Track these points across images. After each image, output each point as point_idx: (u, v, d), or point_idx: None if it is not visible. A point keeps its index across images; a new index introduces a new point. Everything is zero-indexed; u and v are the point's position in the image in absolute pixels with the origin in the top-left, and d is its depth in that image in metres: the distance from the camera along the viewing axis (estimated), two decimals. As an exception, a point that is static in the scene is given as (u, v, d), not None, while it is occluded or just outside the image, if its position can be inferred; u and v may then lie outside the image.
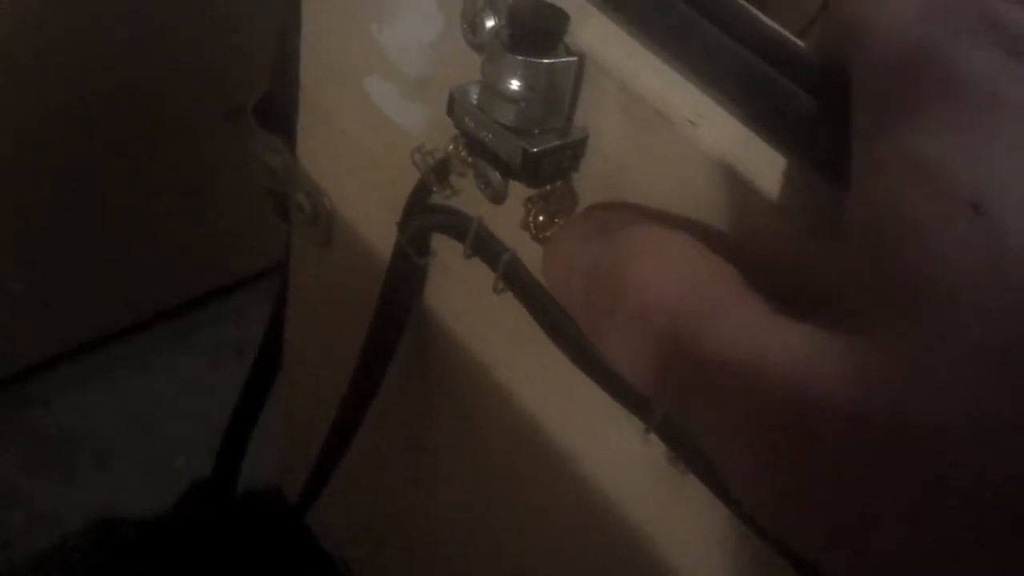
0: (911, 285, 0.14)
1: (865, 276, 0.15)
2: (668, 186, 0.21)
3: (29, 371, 0.67)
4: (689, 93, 0.20)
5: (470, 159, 0.24)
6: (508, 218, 0.25)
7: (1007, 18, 0.15)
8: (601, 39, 0.21)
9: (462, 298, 0.31)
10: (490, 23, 0.23)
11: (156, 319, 0.71)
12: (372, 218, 0.34)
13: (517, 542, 0.34)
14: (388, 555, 0.44)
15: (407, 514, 0.40)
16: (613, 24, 0.21)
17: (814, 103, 0.18)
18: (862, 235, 0.15)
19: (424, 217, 0.29)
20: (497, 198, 0.24)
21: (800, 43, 0.19)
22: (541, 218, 0.24)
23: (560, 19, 0.21)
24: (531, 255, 0.25)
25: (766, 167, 0.19)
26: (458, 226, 0.27)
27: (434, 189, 0.27)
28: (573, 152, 0.22)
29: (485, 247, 0.26)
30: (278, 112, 0.35)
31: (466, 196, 0.27)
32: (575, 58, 0.21)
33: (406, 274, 0.31)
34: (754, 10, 0.20)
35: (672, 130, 0.20)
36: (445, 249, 0.30)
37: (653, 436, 0.24)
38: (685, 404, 0.16)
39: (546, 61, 0.21)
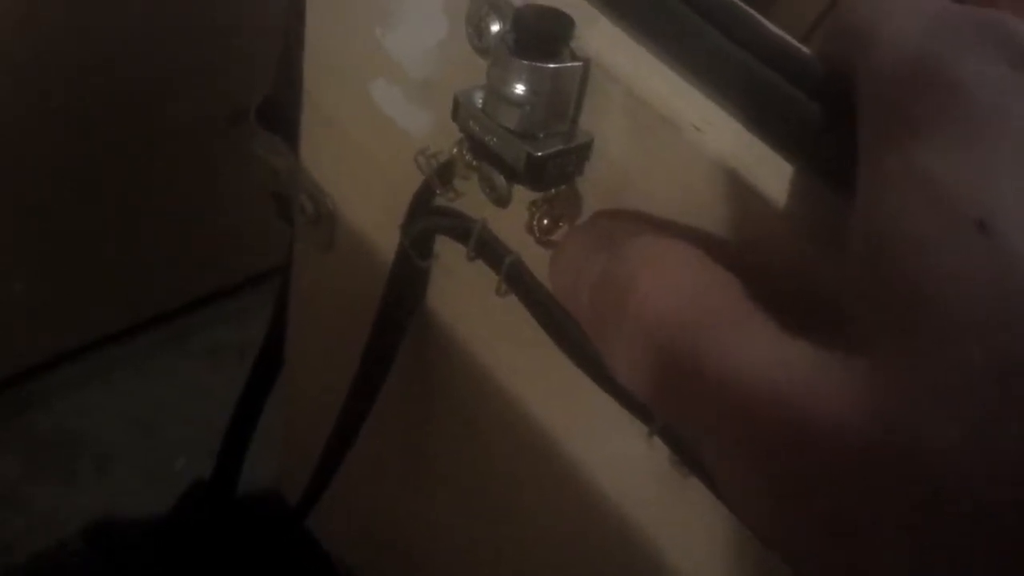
0: (913, 302, 0.13)
1: (866, 289, 0.14)
2: (673, 191, 0.21)
3: (29, 372, 0.67)
4: (694, 99, 0.20)
5: (474, 162, 0.24)
6: (512, 221, 0.25)
7: (1015, 32, 0.15)
8: (607, 44, 0.21)
9: (465, 301, 0.31)
10: (495, 27, 0.23)
11: (156, 321, 0.71)
12: (375, 220, 0.34)
13: (518, 546, 0.34)
14: (389, 559, 0.44)
15: (408, 518, 0.40)
16: (619, 29, 0.21)
17: (818, 109, 0.18)
18: (865, 247, 0.15)
19: (427, 219, 0.29)
20: (501, 202, 0.24)
21: (805, 49, 0.19)
22: (545, 222, 0.24)
23: (565, 24, 0.21)
24: (535, 258, 0.25)
25: (771, 173, 0.19)
26: (461, 229, 0.27)
27: (437, 192, 0.27)
28: (578, 156, 0.22)
29: (488, 250, 0.26)
30: (281, 114, 0.35)
31: (469, 199, 0.27)
32: (580, 63, 0.21)
33: (408, 276, 0.31)
34: (759, 16, 0.20)
35: (677, 135, 0.20)
36: (448, 252, 0.30)
37: (656, 439, 0.24)
38: (685, 419, 0.16)
39: (551, 66, 0.21)
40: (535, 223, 0.24)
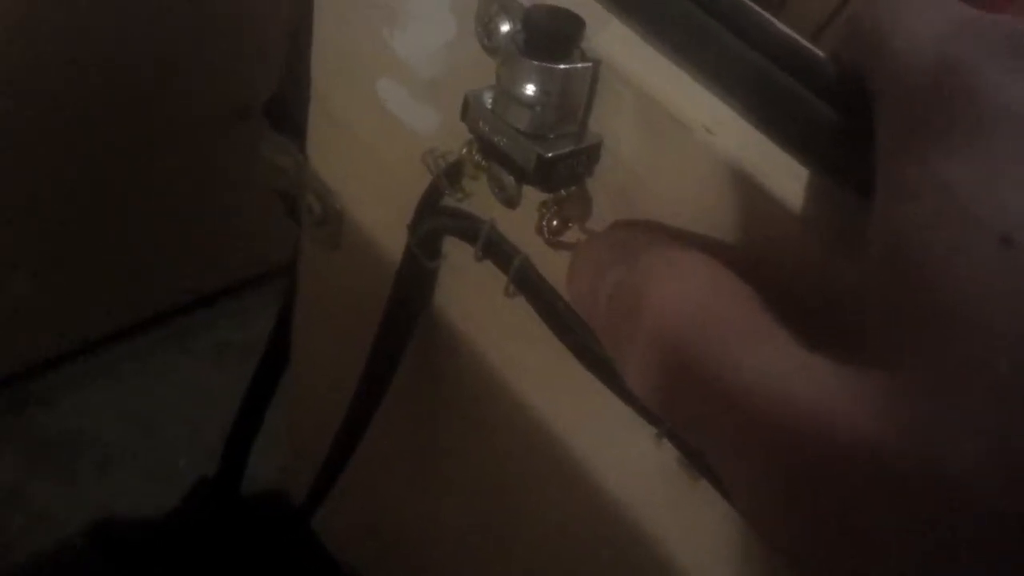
0: (935, 315, 0.13)
1: (886, 300, 0.14)
2: (683, 193, 0.21)
3: (30, 372, 0.67)
4: (705, 100, 0.20)
5: (483, 163, 0.24)
6: (520, 222, 0.25)
7: None
8: (618, 45, 0.21)
9: (473, 301, 0.31)
10: (505, 27, 0.23)
11: (158, 320, 0.71)
12: (382, 220, 0.34)
13: (526, 546, 0.34)
14: (395, 560, 0.44)
15: (414, 519, 0.40)
16: (630, 30, 0.21)
17: (830, 110, 0.18)
18: (884, 258, 0.15)
19: (435, 220, 0.29)
20: (510, 202, 0.24)
21: (817, 50, 0.19)
22: (555, 223, 0.24)
23: (575, 24, 0.21)
24: (543, 259, 0.25)
25: (782, 175, 0.19)
26: (470, 229, 0.27)
27: (446, 192, 0.27)
28: (587, 157, 0.22)
29: (497, 251, 0.26)
30: (289, 113, 0.35)
31: (478, 199, 0.27)
32: (590, 64, 0.21)
33: (416, 277, 0.31)
34: (770, 17, 0.20)
35: (688, 137, 0.20)
36: (456, 252, 0.30)
37: (665, 440, 0.24)
38: (697, 427, 0.16)
39: (561, 66, 0.21)
40: (544, 224, 0.24)
